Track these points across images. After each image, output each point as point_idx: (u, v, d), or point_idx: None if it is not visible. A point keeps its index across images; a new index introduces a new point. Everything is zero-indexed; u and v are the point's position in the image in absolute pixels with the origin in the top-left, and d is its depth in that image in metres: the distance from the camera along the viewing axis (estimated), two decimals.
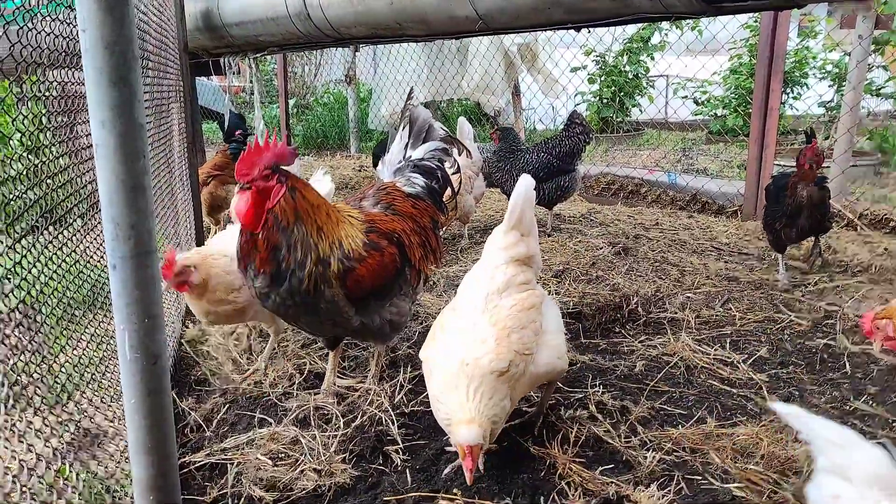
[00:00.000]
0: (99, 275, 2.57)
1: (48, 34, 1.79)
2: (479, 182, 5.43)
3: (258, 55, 5.81)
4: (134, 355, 1.35)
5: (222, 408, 2.85)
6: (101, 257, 2.46)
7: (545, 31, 4.56)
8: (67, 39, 1.96)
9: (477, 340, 2.20)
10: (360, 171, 8.74)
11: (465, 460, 2.06)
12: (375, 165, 7.42)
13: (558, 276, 4.49)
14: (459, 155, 3.46)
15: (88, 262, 2.49)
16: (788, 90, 9.83)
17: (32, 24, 1.65)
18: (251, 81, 12.16)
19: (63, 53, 1.93)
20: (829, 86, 9.12)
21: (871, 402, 2.76)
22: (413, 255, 2.79)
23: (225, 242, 3.01)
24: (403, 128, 3.17)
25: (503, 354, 2.16)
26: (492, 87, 9.21)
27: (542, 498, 2.18)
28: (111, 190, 1.28)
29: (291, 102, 12.02)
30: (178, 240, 3.75)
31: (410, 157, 3.11)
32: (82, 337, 2.44)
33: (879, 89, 8.82)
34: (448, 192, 3.17)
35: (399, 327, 2.75)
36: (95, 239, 2.48)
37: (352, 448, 2.47)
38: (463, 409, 2.09)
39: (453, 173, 3.20)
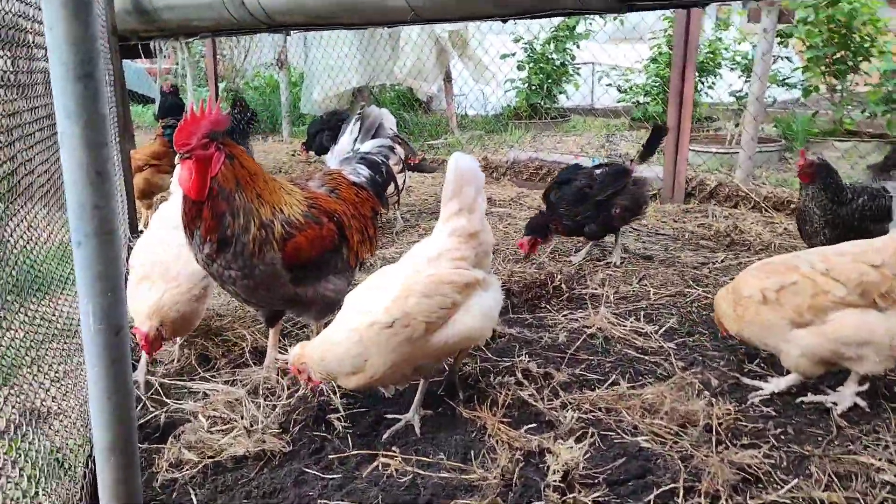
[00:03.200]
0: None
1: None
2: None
3: (190, 39, 5.75)
4: (98, 327, 1.45)
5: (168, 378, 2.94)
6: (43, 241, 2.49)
7: (473, 21, 4.74)
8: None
9: (380, 294, 2.45)
10: (293, 155, 8.74)
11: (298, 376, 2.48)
12: (309, 147, 7.48)
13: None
14: (406, 157, 3.66)
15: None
16: (703, 79, 10.37)
17: None
18: (177, 64, 11.87)
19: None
20: (739, 76, 9.70)
21: (762, 365, 3.11)
22: (351, 238, 2.95)
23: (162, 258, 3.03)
24: (355, 122, 3.35)
25: (392, 311, 2.38)
26: (424, 73, 9.35)
27: (472, 453, 2.40)
28: (76, 175, 1.38)
29: (221, 86, 11.80)
30: None
31: (358, 149, 3.31)
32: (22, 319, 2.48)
33: (785, 79, 9.45)
34: (391, 187, 3.35)
35: (334, 305, 2.88)
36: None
37: (296, 418, 2.63)
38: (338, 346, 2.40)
39: (399, 171, 3.39)
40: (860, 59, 8.76)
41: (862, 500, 2.21)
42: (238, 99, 5.68)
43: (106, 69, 4.16)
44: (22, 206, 2.23)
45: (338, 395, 2.74)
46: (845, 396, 2.72)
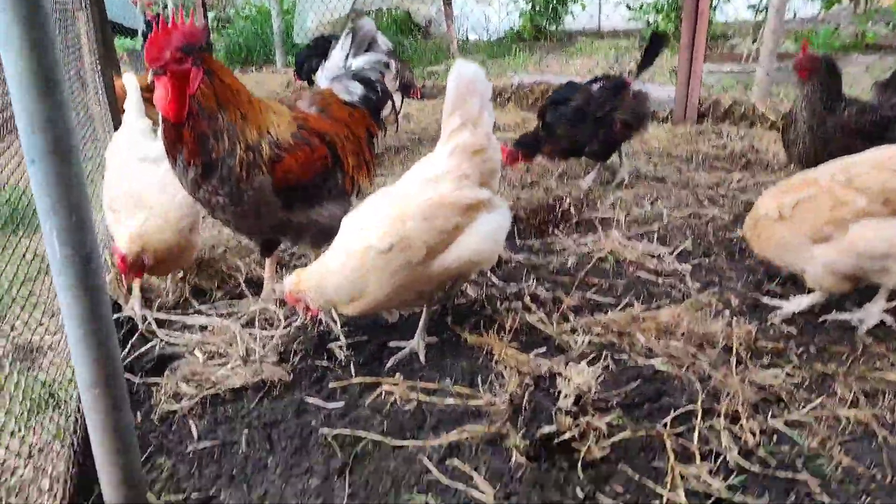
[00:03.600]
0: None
1: None
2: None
3: None
4: (66, 253, 1.31)
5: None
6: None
7: None
8: None
9: (377, 218, 2.32)
10: (287, 86, 8.42)
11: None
12: (299, 75, 7.18)
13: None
14: (406, 83, 3.41)
15: None
16: None
17: None
18: None
19: None
20: None
21: (784, 284, 2.97)
22: (346, 161, 2.77)
23: (144, 187, 2.83)
24: (346, 36, 3.10)
25: (389, 235, 2.24)
26: None
27: (479, 379, 2.30)
28: (22, 83, 1.21)
29: (211, 16, 11.33)
30: (99, 158, 3.59)
31: (350, 66, 3.07)
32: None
33: None
34: (388, 106, 3.14)
35: (330, 232, 2.68)
36: None
37: (295, 348, 2.52)
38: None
39: (396, 89, 3.16)
40: None
41: (890, 416, 2.11)
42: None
43: None
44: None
45: (338, 323, 2.62)
46: (872, 314, 2.59)
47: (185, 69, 2.25)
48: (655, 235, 3.56)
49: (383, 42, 3.10)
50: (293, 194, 2.56)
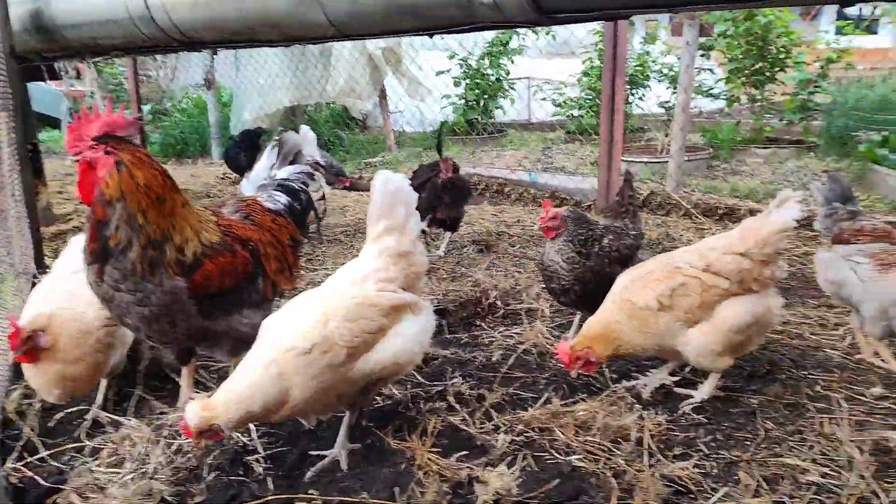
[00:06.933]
0: None
1: None
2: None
3: (99, 59, 5.50)
4: None
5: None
6: None
7: (398, 36, 4.68)
8: None
9: (299, 319, 2.33)
10: (223, 178, 8.50)
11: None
12: (230, 167, 7.30)
13: (426, 275, 4.63)
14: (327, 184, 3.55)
15: None
16: (634, 91, 10.64)
17: None
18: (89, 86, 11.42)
19: None
20: (667, 88, 9.99)
21: (693, 371, 3.11)
22: (268, 266, 2.81)
23: (68, 288, 2.79)
24: (272, 148, 3.24)
25: (310, 336, 2.25)
26: (357, 90, 9.27)
27: (398, 490, 2.29)
28: None
29: (147, 108, 11.42)
30: (14, 263, 3.51)
31: (276, 176, 3.19)
32: None
33: (710, 90, 9.77)
34: (311, 215, 3.24)
35: (249, 340, 2.60)
36: None
37: (210, 462, 2.46)
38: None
39: (318, 199, 3.28)
40: (776, 69, 9.14)
41: (790, 503, 2.20)
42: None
43: (5, 93, 3.90)
44: None
45: (256, 433, 2.58)
46: (653, 380, 2.98)
47: (96, 157, 2.32)
48: (576, 324, 3.69)
49: (309, 154, 3.24)
50: (212, 301, 2.56)
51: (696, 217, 6.28)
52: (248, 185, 3.13)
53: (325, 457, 2.49)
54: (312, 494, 2.28)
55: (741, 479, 2.32)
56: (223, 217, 2.80)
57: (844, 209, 3.31)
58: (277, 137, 3.22)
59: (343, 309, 2.35)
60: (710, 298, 2.71)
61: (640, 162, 8.18)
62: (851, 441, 2.48)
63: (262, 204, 2.98)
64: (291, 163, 3.19)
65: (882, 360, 3.18)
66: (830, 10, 16.83)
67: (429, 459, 2.41)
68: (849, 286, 3.14)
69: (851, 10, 15.81)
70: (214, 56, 9.78)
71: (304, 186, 3.14)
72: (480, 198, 7.58)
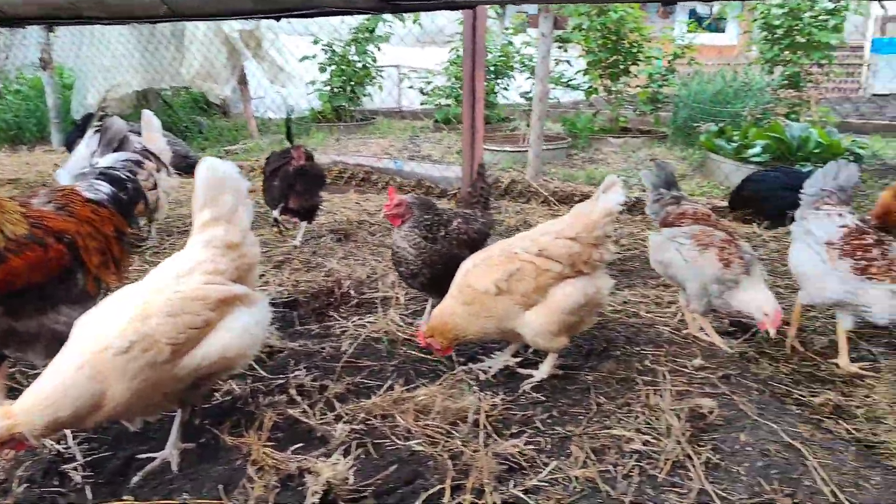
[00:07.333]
0: None
1: None
2: (164, 176, 5.08)
3: None
4: None
5: None
6: None
7: (238, 18, 4.52)
8: None
9: (115, 316, 2.17)
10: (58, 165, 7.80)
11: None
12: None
13: (279, 266, 4.51)
14: (158, 171, 3.33)
15: None
16: (499, 81, 10.90)
17: None
18: None
19: None
20: (527, 78, 10.31)
21: (535, 352, 3.23)
22: (89, 260, 2.60)
23: None
24: (92, 134, 2.99)
25: (128, 334, 2.12)
26: (214, 74, 8.80)
27: (222, 487, 2.20)
28: None
29: None
30: None
31: (97, 164, 2.97)
32: None
33: (569, 82, 10.20)
34: (140, 205, 3.04)
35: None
36: None
37: (21, 474, 2.25)
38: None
39: (150, 188, 3.08)
40: (629, 63, 9.70)
41: (614, 471, 2.34)
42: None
43: None
44: None
45: (74, 438, 2.39)
46: (498, 362, 3.09)
47: None
48: (428, 310, 3.73)
49: (136, 140, 3.04)
50: (20, 299, 2.34)
51: (554, 204, 6.54)
52: (65, 174, 2.88)
53: (154, 459, 2.35)
54: (127, 500, 2.14)
55: (572, 453, 2.44)
56: (33, 208, 2.57)
57: (669, 194, 3.56)
58: (99, 123, 2.98)
59: (165, 304, 2.21)
60: (545, 282, 2.81)
61: (504, 151, 8.40)
62: (671, 409, 2.67)
63: (81, 194, 2.76)
64: (117, 150, 2.96)
65: (705, 333, 3.46)
66: (685, 9, 18.14)
67: (264, 454, 2.34)
68: (674, 266, 3.38)
69: (703, 10, 17.19)
70: (51, 33, 8.91)
71: (130, 175, 2.93)
72: (346, 186, 7.47)
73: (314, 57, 10.55)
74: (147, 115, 4.81)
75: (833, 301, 3.17)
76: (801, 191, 3.51)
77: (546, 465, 2.37)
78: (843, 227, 3.20)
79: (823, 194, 3.43)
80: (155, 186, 3.06)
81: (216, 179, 2.45)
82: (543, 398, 2.84)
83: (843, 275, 3.08)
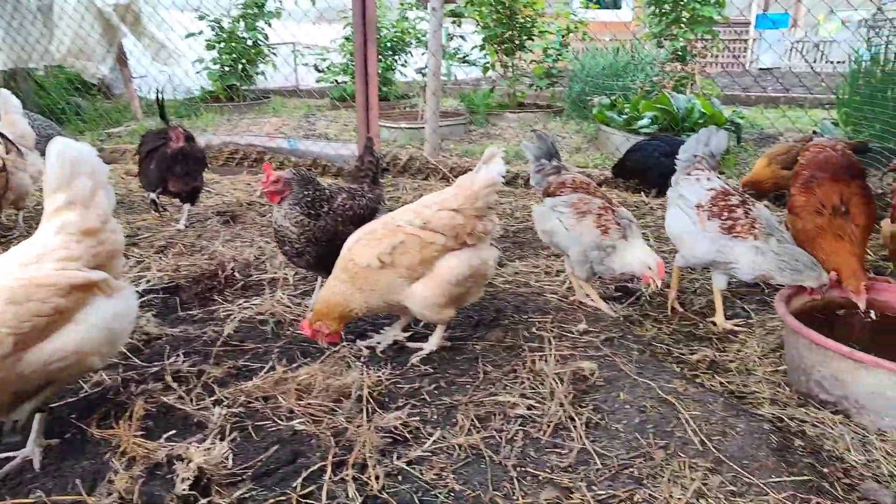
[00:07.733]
0: None
1: None
2: (34, 158, 4.71)
3: None
4: None
5: None
6: None
7: None
8: None
9: None
10: None
11: None
12: None
13: (161, 251, 4.28)
14: (8, 153, 3.04)
15: None
16: (397, 58, 10.78)
17: None
18: None
19: None
20: (422, 54, 10.25)
21: (426, 326, 3.23)
22: None
23: None
24: None
25: None
26: (87, 52, 8.20)
27: (92, 482, 2.07)
28: None
29: None
30: None
31: None
32: None
33: (465, 57, 10.22)
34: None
35: None
36: None
37: None
38: None
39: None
40: (525, 38, 9.82)
41: (498, 437, 2.38)
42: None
43: None
44: None
45: None
46: (388, 336, 3.08)
47: None
48: (317, 290, 3.65)
49: (10, 122, 2.75)
50: None
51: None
52: None
53: (14, 458, 2.19)
54: None
55: (458, 421, 2.46)
56: None
57: (550, 164, 3.63)
58: None
59: (6, 290, 2.03)
60: (429, 254, 2.79)
61: (401, 128, 8.33)
62: (555, 374, 2.74)
63: None
64: None
65: (591, 299, 3.57)
66: None
67: (134, 444, 2.21)
68: (558, 234, 3.46)
69: None
70: None
71: None
72: (238, 168, 7.20)
73: (200, 33, 10.04)
74: (4, 94, 4.42)
75: (706, 261, 3.35)
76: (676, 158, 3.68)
77: (431, 435, 2.37)
78: (710, 189, 3.37)
79: (695, 160, 3.61)
80: (4, 168, 2.79)
81: (70, 161, 2.28)
82: (431, 370, 2.84)
83: (712, 235, 3.25)
